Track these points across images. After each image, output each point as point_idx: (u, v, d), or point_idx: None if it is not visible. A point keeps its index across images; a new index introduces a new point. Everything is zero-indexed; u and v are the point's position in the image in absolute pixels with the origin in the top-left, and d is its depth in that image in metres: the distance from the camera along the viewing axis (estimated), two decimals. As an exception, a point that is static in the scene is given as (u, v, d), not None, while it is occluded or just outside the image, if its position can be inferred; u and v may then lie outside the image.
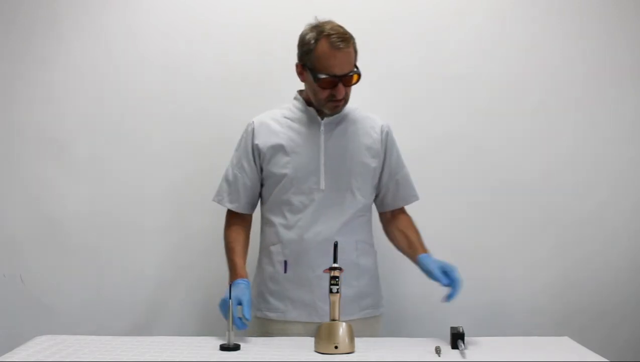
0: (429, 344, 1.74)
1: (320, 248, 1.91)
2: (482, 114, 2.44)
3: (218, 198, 2.07)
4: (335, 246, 1.71)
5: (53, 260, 2.42)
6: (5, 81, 2.43)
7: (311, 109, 1.99)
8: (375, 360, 1.61)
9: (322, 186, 1.96)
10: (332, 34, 1.85)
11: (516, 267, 2.44)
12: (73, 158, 2.43)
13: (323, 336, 1.67)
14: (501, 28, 2.44)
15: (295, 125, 2.00)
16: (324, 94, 1.90)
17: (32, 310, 2.40)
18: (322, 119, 1.98)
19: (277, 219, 1.99)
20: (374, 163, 2.02)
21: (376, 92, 2.30)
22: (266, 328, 2.00)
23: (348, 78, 1.89)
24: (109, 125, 2.43)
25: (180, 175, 2.43)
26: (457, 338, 1.72)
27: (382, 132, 2.04)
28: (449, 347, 1.73)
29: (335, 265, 1.69)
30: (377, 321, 2.08)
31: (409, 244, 2.00)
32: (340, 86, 1.88)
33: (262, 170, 2.01)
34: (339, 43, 1.85)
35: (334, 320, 1.68)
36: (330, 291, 1.68)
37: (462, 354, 1.66)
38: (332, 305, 1.69)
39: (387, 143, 2.05)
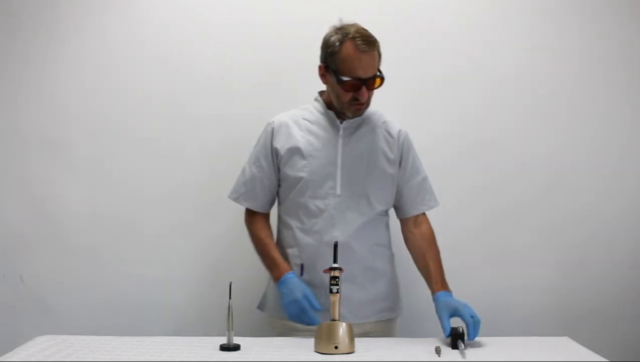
0: (429, 344, 1.74)
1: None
2: (482, 114, 2.44)
3: (234, 196, 2.06)
4: (335, 246, 1.71)
5: (53, 260, 2.42)
6: (6, 81, 2.43)
7: (331, 113, 1.99)
8: (375, 360, 1.61)
9: (338, 191, 1.95)
10: (357, 37, 1.85)
11: (516, 268, 2.44)
12: (73, 158, 2.43)
13: (323, 336, 1.67)
14: (510, 26, 2.45)
15: (314, 128, 1.99)
16: (347, 96, 1.89)
17: (32, 310, 2.40)
18: (342, 122, 1.98)
19: (294, 222, 1.99)
20: (391, 169, 2.01)
21: (377, 93, 2.30)
22: (281, 330, 1.99)
23: (372, 81, 1.88)
24: (109, 125, 2.43)
25: (180, 176, 2.43)
26: (457, 338, 1.72)
27: (399, 137, 2.03)
28: (449, 347, 1.73)
29: (335, 265, 1.69)
30: (393, 324, 2.09)
31: (428, 275, 1.96)
32: (364, 89, 1.87)
33: (279, 171, 2.00)
34: (364, 46, 1.84)
35: (334, 320, 1.68)
36: (330, 291, 1.68)
37: (462, 354, 1.66)
38: (332, 305, 1.69)
39: (403, 148, 2.03)
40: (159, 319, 2.39)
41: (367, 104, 1.94)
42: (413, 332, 2.01)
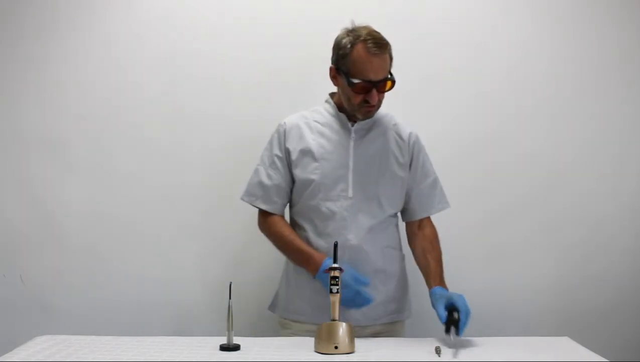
0: (429, 344, 1.74)
1: (349, 255, 1.90)
2: (482, 114, 2.44)
3: (250, 198, 2.02)
4: (335, 246, 1.70)
5: (53, 260, 2.42)
6: (6, 81, 2.43)
7: (342, 115, 1.99)
8: (375, 360, 1.61)
9: (350, 193, 1.95)
10: (369, 39, 1.85)
11: (516, 268, 2.44)
12: (73, 158, 2.43)
13: (323, 336, 1.67)
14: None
15: (325, 130, 1.99)
16: (358, 98, 1.89)
17: (32, 310, 2.40)
18: (353, 125, 1.98)
19: (306, 225, 1.98)
20: (401, 172, 2.01)
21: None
22: (294, 331, 1.98)
23: (382, 84, 1.88)
24: (109, 125, 2.43)
25: (180, 176, 2.43)
26: (451, 324, 1.72)
27: (409, 140, 2.03)
28: (445, 334, 1.73)
29: (335, 265, 1.69)
30: (401, 326, 2.09)
31: (427, 271, 1.97)
32: (374, 92, 1.87)
33: (291, 173, 2.00)
34: (375, 49, 1.84)
35: (334, 320, 1.68)
36: (330, 291, 1.68)
37: (451, 341, 1.66)
38: (332, 305, 1.68)
39: (413, 151, 2.03)
40: (159, 319, 2.39)
41: (378, 106, 1.94)
42: (420, 334, 2.00)
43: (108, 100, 2.43)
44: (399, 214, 2.09)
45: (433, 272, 1.95)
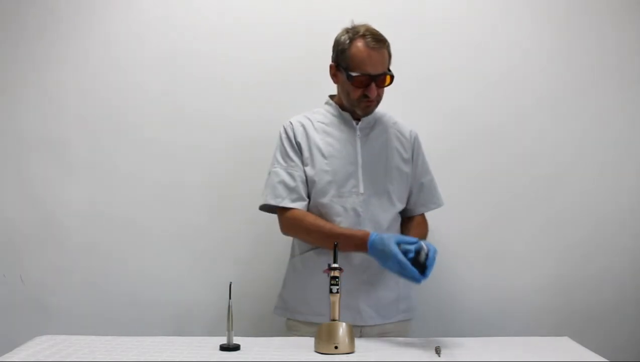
0: (429, 344, 1.74)
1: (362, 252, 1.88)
2: (481, 113, 2.44)
3: (277, 200, 1.94)
4: (335, 245, 1.70)
5: (53, 260, 2.42)
6: (6, 81, 2.43)
7: (346, 114, 2.00)
8: (375, 360, 1.61)
9: (362, 189, 1.96)
10: (368, 35, 1.89)
11: (516, 268, 2.44)
12: (73, 158, 2.43)
13: (323, 336, 1.66)
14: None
15: (330, 129, 2.01)
16: (357, 93, 1.92)
17: (32, 310, 2.40)
18: (357, 123, 2.00)
19: None
20: (406, 168, 2.04)
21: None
22: (306, 329, 1.96)
23: (381, 79, 1.91)
24: (109, 125, 2.43)
25: (180, 176, 2.43)
26: (418, 265, 1.70)
27: (410, 137, 2.07)
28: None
29: (335, 265, 1.69)
30: (409, 325, 2.09)
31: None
32: (373, 86, 1.90)
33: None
34: (373, 43, 1.89)
35: (334, 320, 1.68)
36: (330, 291, 1.68)
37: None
38: (332, 305, 1.68)
39: (414, 148, 2.07)
40: (159, 319, 2.39)
41: (377, 102, 1.96)
42: (420, 334, 1.99)
43: (108, 100, 2.43)
44: None
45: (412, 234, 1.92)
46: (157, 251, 2.42)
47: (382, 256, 1.76)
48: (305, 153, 1.98)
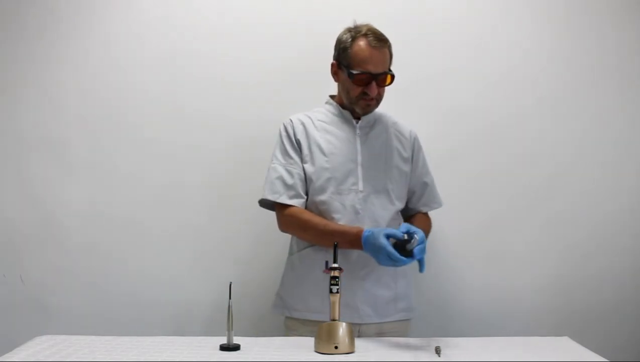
0: (429, 344, 1.74)
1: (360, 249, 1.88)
2: (481, 113, 2.44)
3: (274, 195, 1.95)
4: (335, 245, 1.70)
5: (53, 260, 2.42)
6: (6, 81, 2.43)
7: (346, 112, 2.02)
8: (375, 360, 1.61)
9: (361, 187, 1.97)
10: (369, 34, 1.92)
11: (516, 268, 2.44)
12: (73, 158, 2.42)
13: (323, 336, 1.66)
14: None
15: (330, 127, 2.02)
16: (357, 91, 1.94)
17: (32, 310, 2.40)
18: (357, 122, 2.02)
19: None
20: (405, 167, 2.05)
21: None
22: (304, 329, 1.96)
23: (382, 78, 1.93)
24: (109, 125, 2.43)
25: (180, 176, 2.43)
26: (400, 246, 1.70)
27: (410, 137, 2.09)
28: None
29: (335, 265, 1.69)
30: (408, 325, 2.09)
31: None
32: (374, 84, 1.92)
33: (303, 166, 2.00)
34: (375, 42, 1.91)
35: (334, 320, 1.68)
36: (330, 291, 1.68)
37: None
38: (332, 305, 1.68)
39: (414, 147, 2.09)
40: (159, 318, 2.39)
41: (377, 101, 1.98)
42: (420, 334, 1.99)
43: (108, 100, 2.43)
44: None
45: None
46: (157, 251, 2.42)
47: (374, 249, 1.76)
48: (305, 150, 1.99)
